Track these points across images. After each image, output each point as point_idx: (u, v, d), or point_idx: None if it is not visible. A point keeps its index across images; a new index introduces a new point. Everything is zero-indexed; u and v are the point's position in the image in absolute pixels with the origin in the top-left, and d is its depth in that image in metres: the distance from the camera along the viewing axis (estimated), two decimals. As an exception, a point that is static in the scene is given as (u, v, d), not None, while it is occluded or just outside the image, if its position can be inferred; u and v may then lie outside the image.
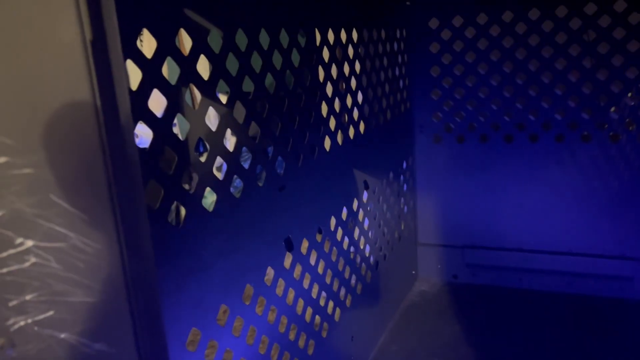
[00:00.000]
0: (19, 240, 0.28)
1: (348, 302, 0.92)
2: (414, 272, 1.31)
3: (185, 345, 0.53)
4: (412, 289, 1.28)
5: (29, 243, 0.28)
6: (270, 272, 0.69)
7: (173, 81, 0.50)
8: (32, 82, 0.28)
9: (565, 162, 1.16)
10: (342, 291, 0.90)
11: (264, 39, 0.65)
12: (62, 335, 0.30)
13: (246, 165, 0.62)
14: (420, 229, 1.31)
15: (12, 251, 0.27)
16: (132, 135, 0.34)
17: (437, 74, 1.20)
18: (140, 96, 0.46)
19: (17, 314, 0.28)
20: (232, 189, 0.60)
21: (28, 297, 0.28)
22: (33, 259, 0.28)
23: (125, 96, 0.33)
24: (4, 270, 0.27)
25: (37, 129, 0.28)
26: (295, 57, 0.73)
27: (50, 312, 0.29)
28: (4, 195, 0.27)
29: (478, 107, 1.19)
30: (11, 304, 0.28)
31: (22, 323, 0.28)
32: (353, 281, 0.94)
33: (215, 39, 0.56)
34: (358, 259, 0.96)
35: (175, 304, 0.51)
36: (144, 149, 0.46)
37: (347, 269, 0.92)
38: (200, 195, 0.55)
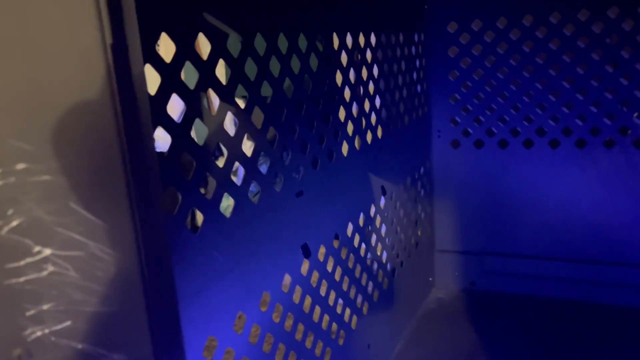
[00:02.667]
0: (37, 248, 0.27)
1: (365, 310, 0.91)
2: (431, 279, 1.30)
3: (202, 353, 0.52)
4: (429, 296, 1.27)
5: (47, 251, 0.27)
6: (287, 279, 0.68)
7: (192, 86, 0.50)
8: (52, 86, 0.27)
9: (586, 169, 1.13)
10: (359, 298, 0.89)
11: (283, 43, 0.64)
12: (80, 346, 0.29)
13: (264, 171, 0.62)
14: (437, 235, 1.29)
15: (29, 259, 0.27)
16: (152, 140, 0.33)
17: (455, 78, 1.19)
18: (159, 101, 0.46)
19: (34, 324, 0.27)
20: (249, 195, 0.59)
21: (45, 307, 0.28)
22: (51, 268, 0.28)
23: (145, 101, 0.32)
24: (22, 279, 0.27)
25: (57, 134, 0.27)
26: (314, 62, 0.72)
27: (68, 322, 0.29)
28: (22, 202, 0.26)
29: (497, 112, 1.17)
30: (28, 313, 0.27)
31: (39, 333, 0.27)
32: (370, 288, 0.93)
33: (234, 44, 0.56)
34: (375, 266, 0.95)
35: (193, 311, 0.51)
36: (163, 154, 0.45)
37: (364, 276, 0.90)
38: (217, 200, 0.54)
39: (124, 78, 0.30)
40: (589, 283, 1.18)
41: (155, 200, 0.33)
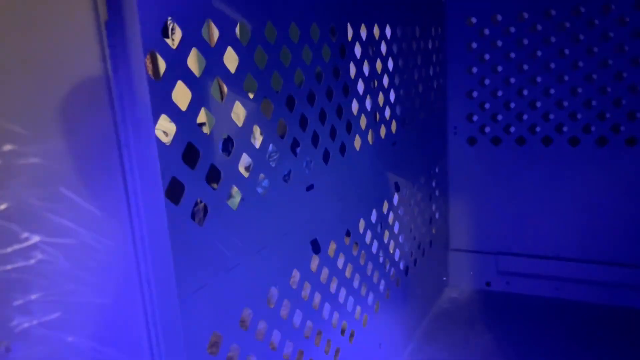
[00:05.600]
0: (25, 234, 0.26)
1: (376, 308, 0.89)
2: (444, 278, 1.27)
3: (205, 349, 0.51)
4: (442, 296, 1.24)
5: (36, 238, 0.26)
6: (296, 275, 0.67)
7: (198, 73, 0.48)
8: (43, 65, 0.26)
9: (607, 167, 1.10)
10: (371, 296, 0.87)
11: (294, 33, 0.63)
12: (70, 338, 0.28)
13: (273, 164, 0.60)
14: (452, 233, 1.27)
15: (17, 247, 0.25)
16: (150, 126, 0.32)
17: (474, 73, 1.16)
18: (164, 87, 0.44)
19: (21, 314, 0.26)
20: (258, 188, 0.58)
21: (34, 297, 0.26)
22: (40, 256, 0.26)
23: (143, 84, 0.31)
24: (8, 267, 0.25)
25: (48, 115, 0.26)
26: (326, 53, 0.70)
27: (58, 313, 0.27)
28: (9, 186, 0.25)
29: (516, 109, 1.14)
30: (16, 303, 0.26)
31: (26, 324, 0.26)
32: (382, 286, 0.91)
33: (243, 31, 0.54)
34: (387, 264, 0.93)
35: (196, 305, 0.49)
36: (165, 142, 0.44)
37: (376, 274, 0.88)
38: (224, 193, 0.53)
39: (120, 58, 0.29)
40: (609, 285, 1.15)
41: (154, 189, 0.32)
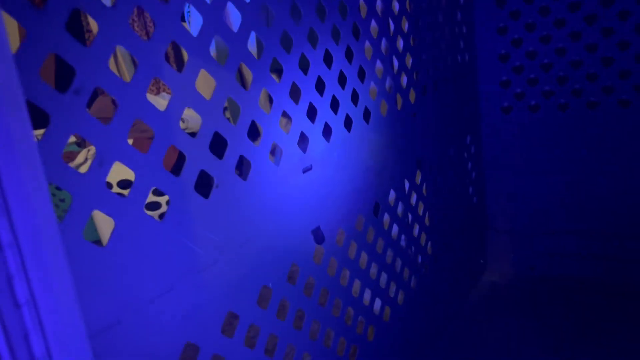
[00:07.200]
0: None
1: (400, 300, 0.80)
2: (482, 261, 1.16)
3: (175, 364, 0.43)
4: (480, 282, 1.13)
5: None
6: (295, 269, 0.58)
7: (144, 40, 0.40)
8: None
9: (666, 131, 0.96)
10: (392, 287, 0.77)
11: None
12: None
13: (256, 142, 0.51)
14: (489, 211, 1.15)
15: None
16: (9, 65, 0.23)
17: (506, 32, 1.04)
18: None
19: None
20: (238, 171, 0.49)
21: None
22: None
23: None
24: None
25: None
26: (321, 8, 0.60)
27: None
28: None
29: (557, 70, 1.01)
30: None
31: None
32: (406, 275, 0.81)
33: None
34: (412, 249, 0.83)
35: (161, 313, 0.41)
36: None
37: (398, 261, 0.79)
38: (190, 179, 0.44)
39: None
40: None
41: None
